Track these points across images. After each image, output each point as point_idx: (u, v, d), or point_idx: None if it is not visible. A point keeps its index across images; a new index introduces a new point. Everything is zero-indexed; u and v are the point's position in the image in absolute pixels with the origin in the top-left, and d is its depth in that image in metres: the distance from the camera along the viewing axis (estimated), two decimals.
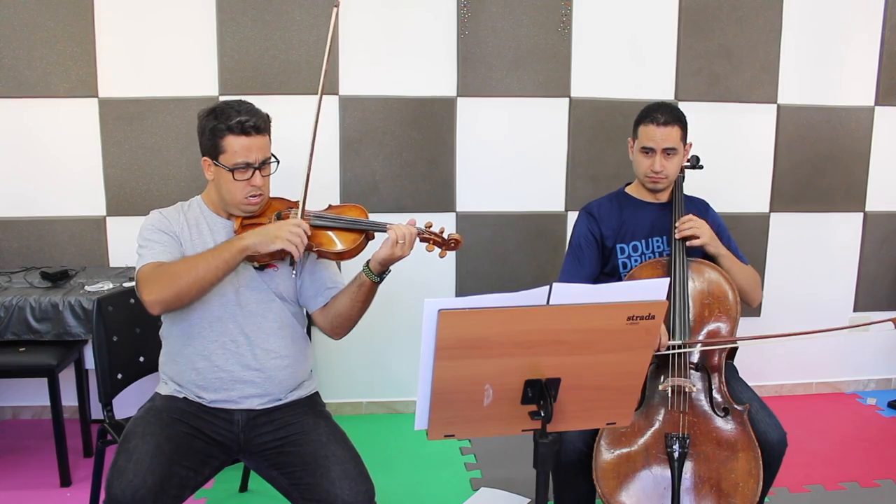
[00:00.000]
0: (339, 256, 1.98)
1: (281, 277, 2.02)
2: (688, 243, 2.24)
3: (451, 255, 3.38)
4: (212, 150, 1.95)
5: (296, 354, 2.05)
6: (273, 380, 1.99)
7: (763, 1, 3.39)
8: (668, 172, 2.28)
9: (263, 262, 1.97)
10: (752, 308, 2.35)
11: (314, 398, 2.11)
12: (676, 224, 2.26)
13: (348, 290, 2.00)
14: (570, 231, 2.47)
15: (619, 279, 2.33)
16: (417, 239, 1.93)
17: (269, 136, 1.98)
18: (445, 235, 1.98)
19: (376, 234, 1.98)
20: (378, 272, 1.93)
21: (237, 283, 1.98)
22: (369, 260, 1.94)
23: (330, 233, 1.98)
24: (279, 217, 1.99)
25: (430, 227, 1.97)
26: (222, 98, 3.12)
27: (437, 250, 1.97)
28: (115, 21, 3.08)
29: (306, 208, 1.99)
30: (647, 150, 2.27)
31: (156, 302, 1.83)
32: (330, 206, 2.07)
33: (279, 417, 1.98)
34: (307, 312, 2.14)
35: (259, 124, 1.94)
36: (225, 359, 1.95)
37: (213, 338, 1.96)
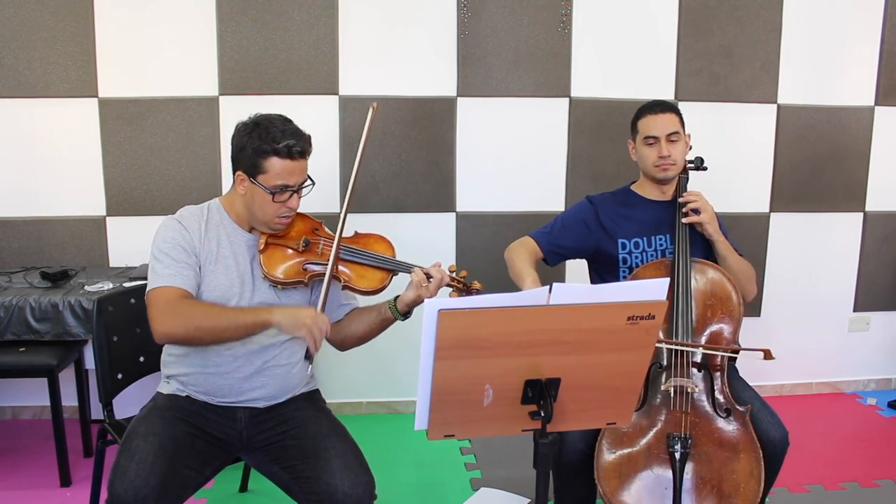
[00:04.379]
0: (365, 294, 1.99)
1: (298, 294, 2.00)
2: (687, 220, 2.25)
3: (450, 255, 3.39)
4: (251, 168, 1.90)
5: (301, 361, 2.05)
6: (280, 386, 2.00)
7: (763, 1, 3.39)
8: (675, 158, 2.29)
9: (287, 287, 1.96)
10: (746, 301, 2.35)
11: (314, 394, 2.12)
12: (681, 198, 2.28)
13: (368, 318, 2.02)
14: None
15: (618, 275, 2.33)
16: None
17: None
18: (468, 281, 2.01)
19: (402, 272, 1.99)
20: (404, 312, 1.96)
21: (252, 299, 1.95)
22: (398, 297, 1.96)
23: (358, 268, 1.99)
24: (307, 244, 1.97)
25: (454, 270, 1.99)
26: (222, 98, 3.14)
27: (458, 297, 1.98)
28: (115, 21, 3.08)
29: (335, 235, 1.97)
30: (651, 140, 2.29)
31: (165, 335, 1.84)
32: (356, 235, 2.06)
33: (280, 413, 1.99)
34: None
35: (305, 148, 1.92)
36: (235, 368, 1.94)
37: (223, 350, 1.93)
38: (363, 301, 2.08)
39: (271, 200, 1.89)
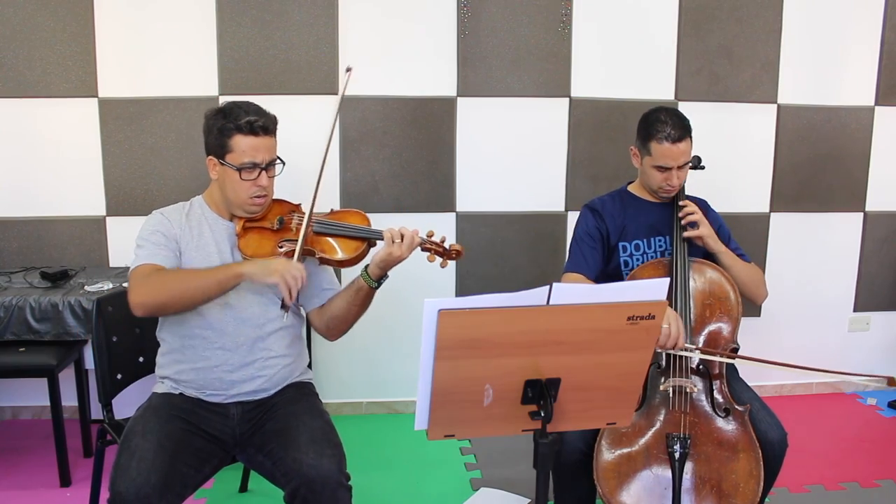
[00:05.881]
0: (341, 264, 1.99)
1: None
2: (687, 234, 2.24)
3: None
4: (218, 149, 1.95)
5: (294, 354, 2.08)
6: (271, 379, 2.02)
7: (763, 1, 3.39)
8: (681, 183, 2.31)
9: None
10: (758, 304, 2.36)
11: (304, 384, 2.13)
12: (680, 211, 2.27)
13: (346, 292, 2.01)
14: (571, 230, 2.47)
15: (622, 278, 2.33)
16: (419, 248, 1.94)
17: (276, 137, 2.00)
18: (447, 245, 1.98)
19: (378, 241, 1.98)
20: (376, 276, 1.93)
21: (238, 286, 1.96)
22: (368, 264, 1.94)
23: (332, 240, 1.99)
24: (282, 223, 1.99)
25: (432, 236, 1.98)
26: (222, 98, 3.13)
27: (438, 260, 1.98)
28: (115, 21, 3.08)
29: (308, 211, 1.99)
30: (663, 169, 2.26)
31: (140, 304, 1.84)
32: (332, 212, 2.07)
33: (269, 404, 2.01)
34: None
35: (267, 125, 1.95)
36: (224, 360, 1.96)
37: (213, 339, 1.96)
38: (344, 275, 2.08)
39: (239, 178, 1.92)
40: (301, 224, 1.96)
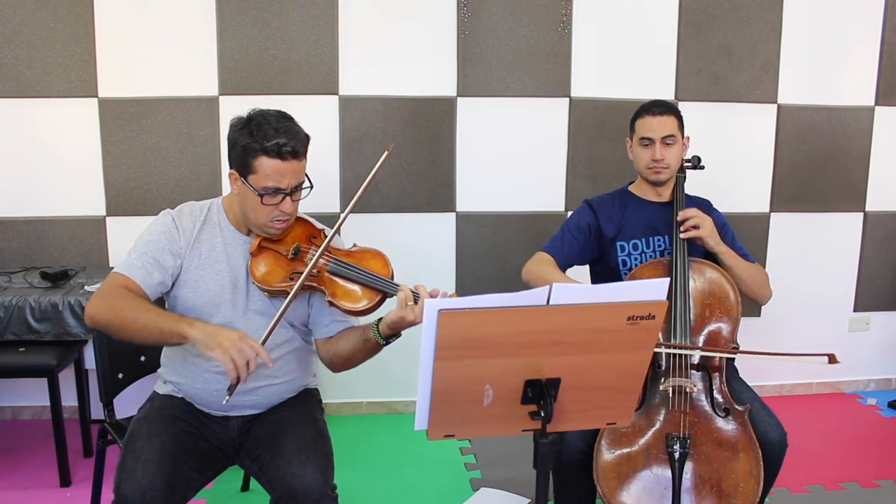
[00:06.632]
0: (350, 313, 1.87)
1: (293, 305, 1.84)
2: (685, 235, 2.23)
3: (450, 255, 3.39)
4: (241, 166, 1.79)
5: (300, 374, 2.03)
6: (272, 399, 1.98)
7: (763, 1, 3.39)
8: (668, 161, 2.29)
9: (275, 294, 1.86)
10: (761, 305, 2.37)
11: (309, 391, 2.09)
12: (679, 216, 2.26)
13: (354, 335, 1.89)
14: None
15: (620, 277, 2.33)
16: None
17: (306, 158, 1.83)
18: None
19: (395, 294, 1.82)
20: (386, 336, 1.80)
21: (246, 307, 1.90)
22: (381, 319, 1.79)
23: (346, 284, 1.84)
24: (297, 253, 1.86)
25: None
26: (222, 98, 3.14)
27: None
28: (115, 21, 3.08)
29: (331, 245, 1.87)
30: (646, 141, 2.30)
31: (89, 316, 1.76)
32: (354, 247, 1.92)
33: (271, 413, 1.98)
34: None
35: (297, 148, 1.77)
36: (224, 385, 1.86)
37: (212, 367, 1.86)
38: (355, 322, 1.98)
39: (260, 203, 1.79)
40: (314, 258, 1.82)
